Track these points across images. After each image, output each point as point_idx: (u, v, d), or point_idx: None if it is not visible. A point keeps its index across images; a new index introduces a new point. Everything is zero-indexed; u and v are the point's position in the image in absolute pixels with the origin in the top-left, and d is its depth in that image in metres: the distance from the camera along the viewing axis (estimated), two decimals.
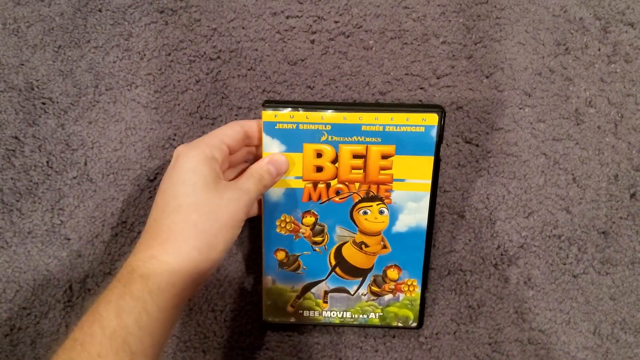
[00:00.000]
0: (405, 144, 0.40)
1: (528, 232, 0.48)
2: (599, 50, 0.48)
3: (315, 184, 0.41)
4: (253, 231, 0.48)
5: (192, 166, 0.35)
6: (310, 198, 0.42)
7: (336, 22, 0.48)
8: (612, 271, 0.48)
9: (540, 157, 0.48)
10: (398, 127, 0.40)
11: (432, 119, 0.40)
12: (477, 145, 0.48)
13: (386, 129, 0.40)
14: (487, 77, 0.48)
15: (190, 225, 0.34)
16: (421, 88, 0.48)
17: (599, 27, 0.48)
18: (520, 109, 0.48)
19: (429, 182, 0.41)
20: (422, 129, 0.40)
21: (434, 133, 0.40)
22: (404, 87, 0.48)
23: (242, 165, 0.43)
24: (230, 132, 0.39)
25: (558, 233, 0.48)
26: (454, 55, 0.48)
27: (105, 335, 0.30)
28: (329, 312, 0.44)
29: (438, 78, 0.48)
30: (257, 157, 0.43)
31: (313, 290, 0.44)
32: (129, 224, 0.48)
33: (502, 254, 0.48)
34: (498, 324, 0.48)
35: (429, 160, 0.40)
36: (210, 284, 0.48)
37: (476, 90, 0.48)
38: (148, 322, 0.31)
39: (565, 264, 0.48)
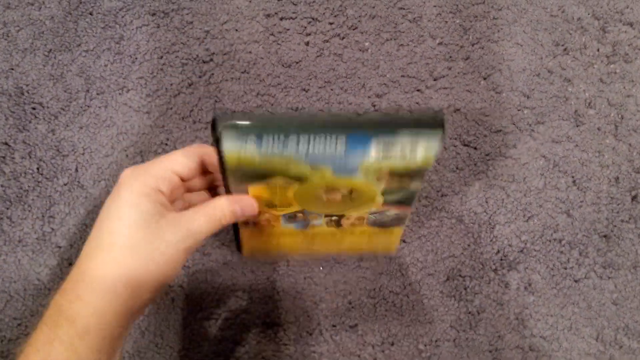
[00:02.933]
0: None
1: (528, 236, 0.47)
2: (598, 50, 0.47)
3: None
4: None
5: (132, 200, 0.32)
6: None
7: (331, 23, 0.47)
8: (614, 275, 0.47)
9: (539, 160, 0.47)
10: None
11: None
12: (475, 148, 0.47)
13: None
14: (484, 79, 0.47)
15: (121, 268, 0.31)
16: (418, 90, 0.47)
17: (597, 27, 0.48)
18: (518, 110, 0.47)
19: None
20: None
21: None
22: (400, 89, 0.47)
23: (203, 194, 0.39)
24: (183, 160, 0.35)
25: (559, 237, 0.47)
26: (450, 57, 0.47)
27: None
28: None
29: (435, 80, 0.47)
30: (219, 183, 0.39)
31: None
32: None
33: (501, 259, 0.47)
34: (498, 331, 0.47)
35: None
36: (204, 293, 0.47)
37: (474, 92, 0.47)
38: None
39: (566, 269, 0.47)
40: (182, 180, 0.36)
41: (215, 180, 0.39)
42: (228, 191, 0.35)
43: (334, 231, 0.40)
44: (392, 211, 0.37)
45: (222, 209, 0.34)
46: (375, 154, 0.32)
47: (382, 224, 0.39)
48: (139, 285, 0.32)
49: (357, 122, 0.31)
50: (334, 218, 0.38)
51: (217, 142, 0.31)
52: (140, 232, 0.32)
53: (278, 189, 0.35)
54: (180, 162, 0.35)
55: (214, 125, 0.31)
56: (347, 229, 0.40)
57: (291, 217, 0.37)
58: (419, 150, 0.32)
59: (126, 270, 0.31)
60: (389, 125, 0.31)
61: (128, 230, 0.32)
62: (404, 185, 0.35)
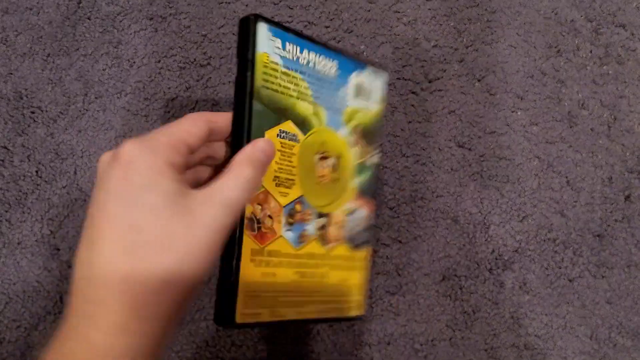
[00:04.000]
0: None
1: (522, 236, 0.48)
2: (591, 52, 0.48)
3: None
4: None
5: (148, 180, 0.25)
6: None
7: (327, 27, 0.48)
8: (608, 274, 0.48)
9: (533, 160, 0.48)
10: None
11: None
12: (469, 149, 0.48)
13: None
14: (479, 81, 0.48)
15: (146, 270, 0.25)
16: (413, 92, 0.48)
17: (590, 28, 0.48)
18: (512, 112, 0.48)
19: None
20: None
21: None
22: (396, 91, 0.48)
23: (200, 168, 0.34)
24: (194, 130, 0.29)
25: (553, 237, 0.48)
26: (445, 59, 0.48)
27: None
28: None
29: (430, 82, 0.48)
30: (220, 158, 0.34)
31: None
32: None
33: (496, 259, 0.48)
34: (494, 330, 0.48)
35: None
36: (202, 293, 0.47)
37: (468, 93, 0.48)
38: None
39: (560, 268, 0.48)
40: (190, 152, 0.30)
41: (216, 153, 0.34)
42: (249, 124, 0.33)
43: (319, 254, 0.39)
44: (363, 210, 0.41)
45: (246, 164, 0.29)
46: (352, 89, 0.39)
47: (355, 240, 0.40)
48: (173, 285, 0.25)
49: (346, 52, 0.39)
50: (322, 223, 0.39)
51: (252, 38, 0.33)
52: (167, 220, 0.25)
53: (287, 144, 0.36)
54: (192, 132, 0.29)
55: (246, 23, 0.33)
56: (330, 251, 0.39)
57: (291, 213, 0.37)
58: (375, 87, 0.40)
59: (153, 271, 0.25)
60: (362, 60, 0.40)
61: (153, 220, 0.25)
62: (368, 154, 0.40)
